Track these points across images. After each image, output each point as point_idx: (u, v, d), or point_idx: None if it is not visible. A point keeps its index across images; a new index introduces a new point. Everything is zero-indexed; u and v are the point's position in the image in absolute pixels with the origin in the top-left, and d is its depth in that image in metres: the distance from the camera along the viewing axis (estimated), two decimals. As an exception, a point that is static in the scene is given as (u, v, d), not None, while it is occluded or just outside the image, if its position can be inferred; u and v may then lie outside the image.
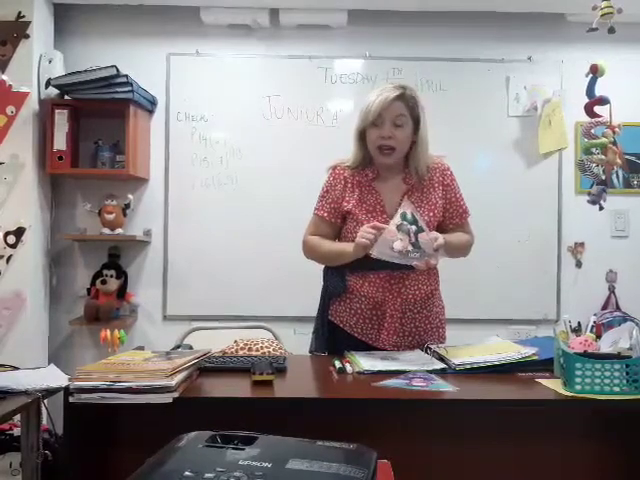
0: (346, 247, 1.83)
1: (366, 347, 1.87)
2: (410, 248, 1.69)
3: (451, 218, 1.95)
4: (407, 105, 1.83)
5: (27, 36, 2.93)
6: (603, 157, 2.73)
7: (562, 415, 1.42)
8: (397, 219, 1.73)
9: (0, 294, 2.88)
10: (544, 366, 1.60)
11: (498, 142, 3.26)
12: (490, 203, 3.17)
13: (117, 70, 2.90)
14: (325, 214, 1.92)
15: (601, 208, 2.85)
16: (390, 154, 1.84)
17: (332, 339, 1.95)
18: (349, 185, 1.91)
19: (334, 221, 1.92)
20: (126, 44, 3.21)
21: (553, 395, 1.41)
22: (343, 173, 1.93)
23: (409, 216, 1.73)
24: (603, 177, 2.78)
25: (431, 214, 1.88)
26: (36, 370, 1.66)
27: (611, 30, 2.25)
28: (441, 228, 1.92)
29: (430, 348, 1.82)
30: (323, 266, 2.00)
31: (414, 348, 1.87)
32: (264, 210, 3.19)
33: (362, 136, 1.89)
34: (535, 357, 1.63)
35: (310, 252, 1.96)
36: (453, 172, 1.97)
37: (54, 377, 1.52)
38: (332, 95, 3.23)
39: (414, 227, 1.71)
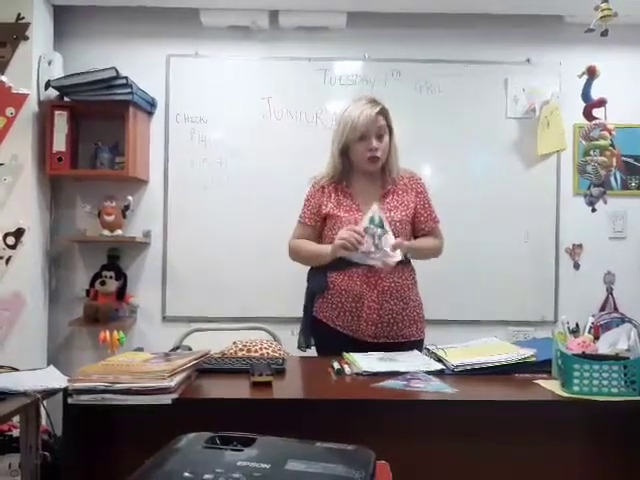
0: (324, 248, 2.03)
1: (348, 340, 1.99)
2: (373, 249, 1.86)
3: (422, 225, 2.13)
4: (385, 117, 2.04)
5: (27, 38, 2.92)
6: (605, 159, 2.75)
7: (560, 416, 1.42)
8: (365, 222, 1.90)
9: (-1, 295, 2.88)
10: (542, 367, 1.61)
11: (496, 144, 3.26)
12: (488, 204, 3.18)
13: (117, 72, 2.90)
14: (307, 219, 2.12)
15: (594, 210, 2.87)
16: (377, 162, 2.05)
17: (317, 335, 2.10)
18: (326, 192, 2.10)
19: (314, 224, 2.12)
20: (126, 46, 3.21)
21: (551, 396, 1.41)
22: (320, 183, 2.11)
23: (377, 220, 1.90)
24: (603, 179, 2.79)
25: (404, 213, 2.07)
26: (35, 371, 1.66)
27: (604, 33, 2.28)
28: (414, 233, 2.13)
29: (428, 349, 1.83)
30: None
31: (392, 339, 1.99)
32: (263, 211, 3.18)
33: (344, 150, 2.05)
34: (533, 358, 1.64)
35: (293, 254, 2.16)
36: (424, 183, 2.17)
37: (53, 378, 1.52)
38: (331, 97, 3.23)
39: (379, 230, 1.88)
